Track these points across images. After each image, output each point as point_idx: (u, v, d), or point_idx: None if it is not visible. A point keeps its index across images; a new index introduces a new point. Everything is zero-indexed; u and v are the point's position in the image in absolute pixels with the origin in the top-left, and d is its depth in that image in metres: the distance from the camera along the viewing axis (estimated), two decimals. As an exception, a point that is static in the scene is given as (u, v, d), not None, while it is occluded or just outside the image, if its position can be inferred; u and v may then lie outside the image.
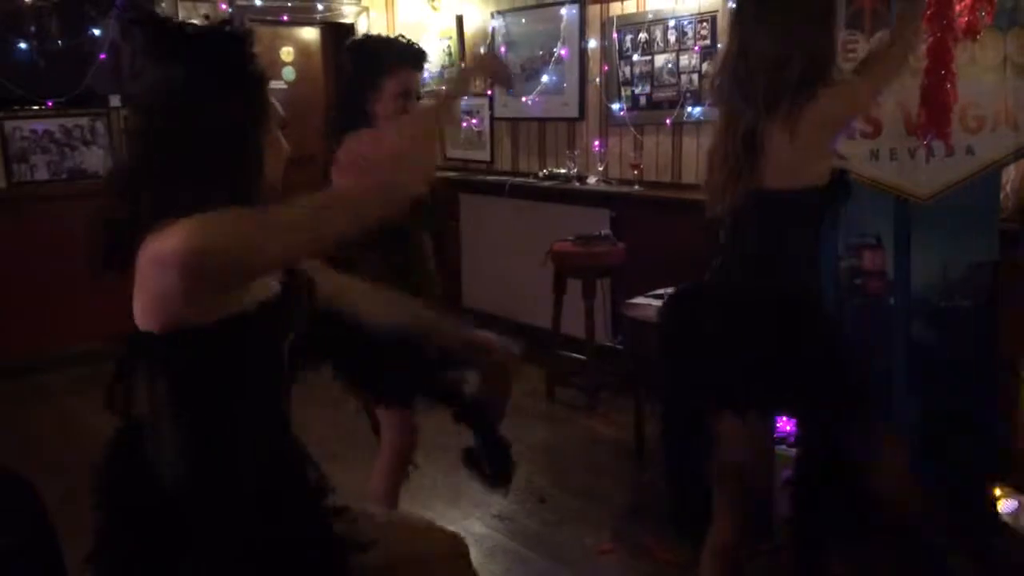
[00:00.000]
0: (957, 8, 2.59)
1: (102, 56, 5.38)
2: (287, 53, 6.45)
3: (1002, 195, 3.08)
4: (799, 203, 2.07)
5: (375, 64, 2.66)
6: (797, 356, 2.05)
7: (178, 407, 1.46)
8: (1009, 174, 3.15)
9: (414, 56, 2.72)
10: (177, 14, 5.62)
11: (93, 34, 5.37)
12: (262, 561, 1.46)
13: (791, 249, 2.12)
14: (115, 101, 5.49)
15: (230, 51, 1.45)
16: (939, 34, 2.58)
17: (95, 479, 1.56)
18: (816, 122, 1.99)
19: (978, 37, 2.67)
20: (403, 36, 2.78)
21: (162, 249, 1.37)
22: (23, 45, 5.24)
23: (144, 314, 1.49)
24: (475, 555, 3.16)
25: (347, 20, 6.40)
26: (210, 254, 1.35)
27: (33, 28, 5.26)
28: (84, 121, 5.44)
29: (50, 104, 5.29)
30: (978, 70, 2.74)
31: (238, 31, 1.48)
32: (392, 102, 2.64)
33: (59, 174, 5.39)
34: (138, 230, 1.44)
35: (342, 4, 6.35)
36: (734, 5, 2.17)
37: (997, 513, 2.90)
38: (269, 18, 6.10)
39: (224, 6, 5.82)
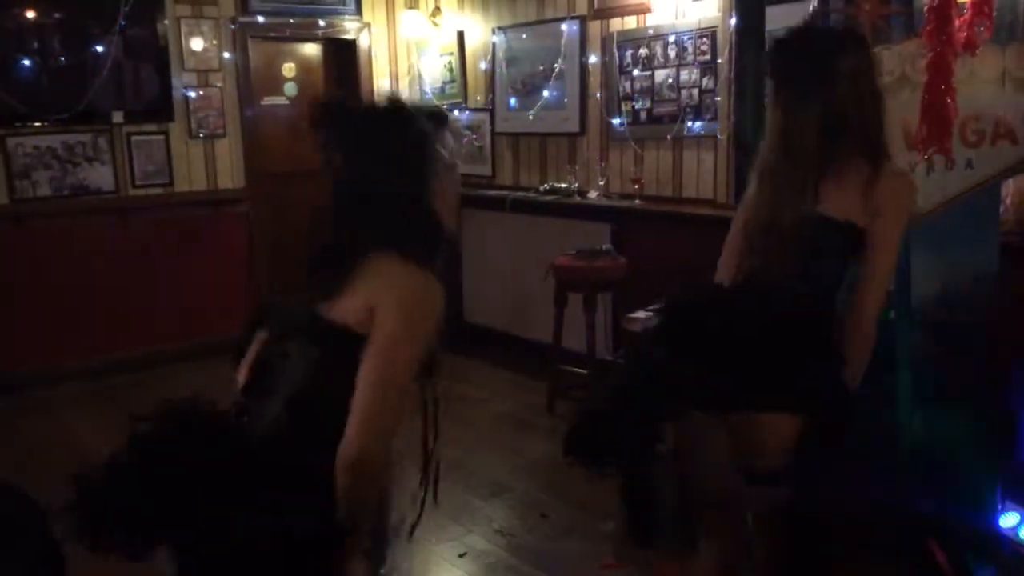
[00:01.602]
0: (956, 23, 2.61)
1: (105, 73, 5.39)
2: (289, 69, 6.48)
3: (1002, 209, 3.08)
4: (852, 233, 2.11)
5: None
6: (804, 368, 2.05)
7: (310, 380, 1.69)
8: (1009, 188, 3.15)
9: None
10: (179, 31, 5.66)
11: (96, 51, 5.40)
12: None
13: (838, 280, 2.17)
14: (118, 117, 5.51)
15: (387, 127, 1.79)
16: (939, 49, 2.59)
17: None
18: (898, 191, 2.09)
19: (977, 52, 2.68)
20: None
21: (399, 285, 1.71)
22: (26, 62, 5.27)
23: (346, 308, 1.72)
24: (476, 570, 3.16)
25: (349, 36, 6.43)
26: (417, 316, 1.70)
27: (36, 45, 5.28)
28: (87, 138, 5.45)
29: (53, 121, 5.31)
30: (978, 84, 2.75)
31: (395, 107, 1.81)
32: None
33: (61, 190, 5.40)
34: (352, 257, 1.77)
35: (344, 20, 6.39)
36: (771, 90, 2.21)
37: (1000, 528, 2.90)
38: (272, 34, 6.13)
39: (227, 23, 5.85)
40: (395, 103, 1.82)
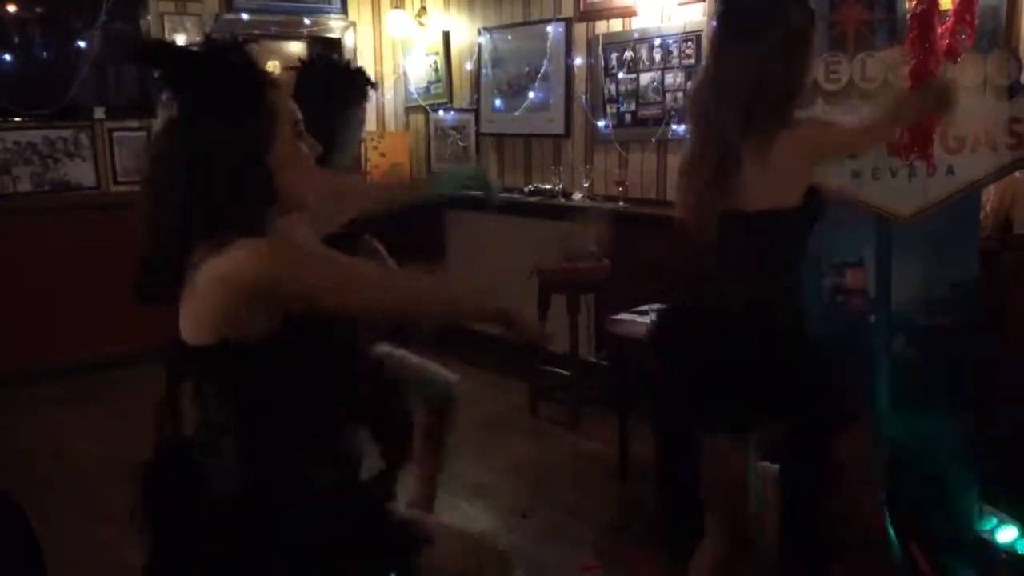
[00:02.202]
0: (939, 31, 2.63)
1: (87, 68, 5.36)
2: (273, 67, 6.44)
3: (982, 215, 3.11)
4: (776, 223, 2.09)
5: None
6: (789, 375, 2.06)
7: (233, 417, 1.48)
8: (989, 194, 3.19)
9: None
10: (163, 27, 5.63)
11: (78, 46, 5.36)
12: (323, 566, 1.47)
13: (774, 268, 2.14)
14: (99, 113, 5.47)
15: (223, 70, 1.47)
16: (921, 56, 2.61)
17: (141, 497, 1.53)
18: (789, 148, 2.03)
19: (959, 59, 2.70)
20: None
21: (232, 269, 1.40)
22: (7, 56, 5.22)
23: (199, 327, 1.48)
24: (458, 572, 3.15)
25: (334, 35, 6.41)
26: (285, 282, 1.41)
27: (17, 39, 5.24)
28: (68, 133, 5.41)
29: (34, 116, 5.26)
30: (959, 92, 2.77)
31: (228, 46, 1.51)
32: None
33: (42, 186, 5.35)
34: (179, 251, 1.47)
35: (329, 19, 6.37)
36: (715, 29, 2.20)
37: (979, 529, 2.92)
38: (256, 32, 6.10)
39: (211, 20, 5.82)
40: (232, 42, 1.52)
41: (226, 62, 1.48)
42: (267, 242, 1.44)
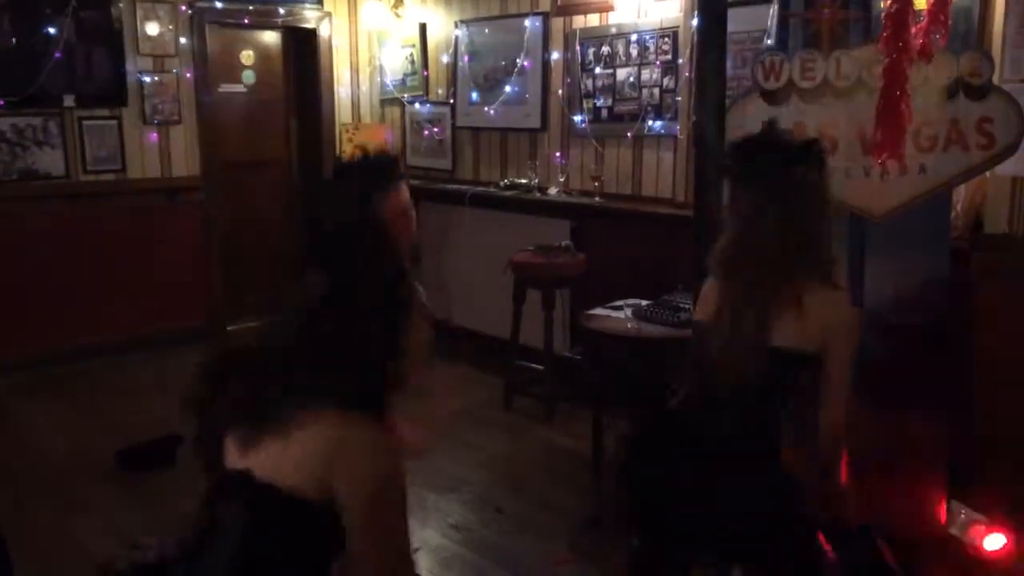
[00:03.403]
0: (913, 30, 2.65)
1: (57, 55, 5.27)
2: (247, 56, 6.39)
3: (953, 214, 3.15)
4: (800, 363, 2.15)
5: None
6: (761, 510, 2.10)
7: (240, 549, 1.50)
8: (960, 193, 3.22)
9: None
10: (135, 14, 5.55)
11: (48, 33, 5.27)
12: None
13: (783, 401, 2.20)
14: (69, 101, 5.39)
15: (370, 252, 1.59)
16: (895, 55, 2.63)
17: None
18: (821, 311, 2.12)
19: (932, 59, 2.73)
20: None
21: (351, 442, 1.48)
22: (-26, 42, 5.13)
23: (281, 469, 1.49)
24: (431, 565, 3.15)
25: (309, 25, 6.36)
26: (384, 491, 1.49)
27: (-15, 25, 5.15)
28: (37, 121, 5.32)
29: (2, 103, 5.17)
30: (932, 91, 2.80)
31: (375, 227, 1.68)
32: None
33: (10, 175, 5.26)
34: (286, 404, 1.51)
35: (304, 8, 6.31)
36: (732, 185, 2.26)
37: (947, 527, 2.96)
38: (229, 21, 6.04)
39: (184, 8, 5.75)
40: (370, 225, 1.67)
41: (380, 269, 1.58)
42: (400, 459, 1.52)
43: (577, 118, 5.11)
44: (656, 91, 4.71)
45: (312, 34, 6.39)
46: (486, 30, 5.66)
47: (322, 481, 1.45)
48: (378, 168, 2.61)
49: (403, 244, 2.51)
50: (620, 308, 3.85)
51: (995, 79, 2.83)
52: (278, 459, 1.48)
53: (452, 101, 5.96)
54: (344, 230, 1.64)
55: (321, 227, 1.65)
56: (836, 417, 2.16)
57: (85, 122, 5.48)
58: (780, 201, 2.11)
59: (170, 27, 5.72)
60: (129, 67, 5.60)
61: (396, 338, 1.55)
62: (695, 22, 4.36)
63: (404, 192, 2.66)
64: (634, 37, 4.77)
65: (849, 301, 2.27)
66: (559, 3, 5.18)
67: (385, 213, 2.51)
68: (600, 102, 5.00)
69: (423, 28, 6.07)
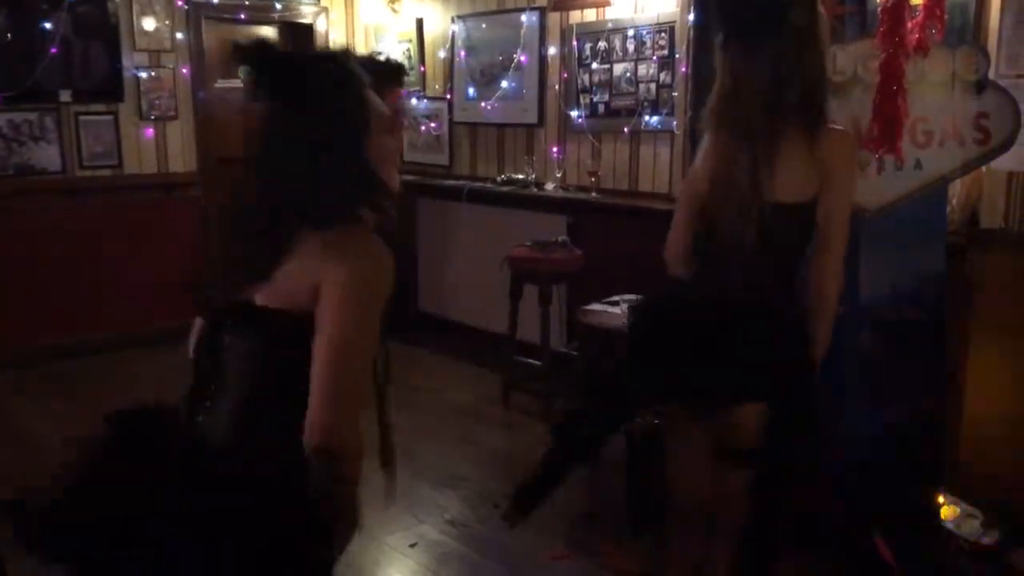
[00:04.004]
0: (909, 25, 2.65)
1: (53, 50, 5.26)
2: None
3: (949, 209, 3.15)
4: (806, 213, 2.13)
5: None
6: (774, 362, 2.09)
7: (257, 373, 1.57)
8: (956, 188, 3.22)
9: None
10: (131, 10, 5.54)
11: (43, 28, 5.25)
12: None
13: (798, 257, 2.18)
14: (65, 96, 5.38)
15: (322, 75, 1.58)
16: (891, 50, 2.64)
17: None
18: (836, 148, 2.10)
19: (928, 54, 2.73)
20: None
21: (348, 256, 1.53)
22: (-30, 37, 5.11)
23: (279, 294, 1.57)
24: (429, 561, 3.16)
25: (306, 20, 6.35)
26: (370, 294, 1.53)
27: (-19, 20, 5.13)
28: (33, 116, 5.31)
29: (-2, 98, 5.17)
30: (927, 86, 2.81)
31: (332, 55, 1.64)
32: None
33: (6, 170, 5.25)
34: (289, 230, 1.57)
35: (301, 3, 6.30)
36: (721, 39, 2.20)
37: (942, 520, 2.97)
38: (226, 16, 6.02)
39: (180, 3, 5.74)
40: (328, 51, 1.68)
41: (326, 68, 1.59)
42: (385, 265, 1.55)
43: (574, 113, 5.10)
44: (653, 86, 4.70)
45: (309, 29, 6.37)
46: (483, 25, 5.65)
47: (315, 289, 1.50)
48: (386, 66, 2.67)
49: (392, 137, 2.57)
50: (617, 304, 3.85)
51: (991, 74, 2.84)
52: (274, 287, 1.56)
53: (449, 96, 5.95)
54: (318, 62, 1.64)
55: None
56: (830, 283, 2.14)
57: (81, 117, 5.47)
58: (770, 43, 2.08)
59: (166, 22, 5.71)
60: (125, 62, 5.58)
61: (361, 152, 1.58)
62: (691, 17, 4.39)
63: (402, 97, 2.72)
64: (631, 32, 4.76)
65: (851, 137, 2.22)
66: (556, -2, 5.18)
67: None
68: (597, 97, 4.99)
69: (420, 23, 6.06)
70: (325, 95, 1.56)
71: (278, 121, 1.58)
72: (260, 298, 1.59)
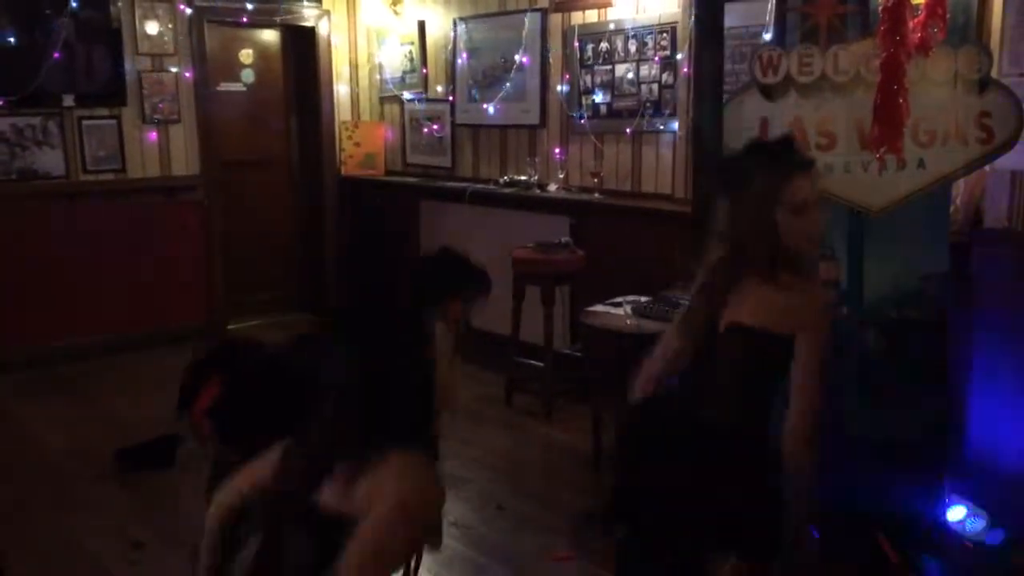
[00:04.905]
0: (911, 24, 2.64)
1: (56, 55, 5.27)
2: (246, 55, 6.38)
3: (952, 208, 3.14)
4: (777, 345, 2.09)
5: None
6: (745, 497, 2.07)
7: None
8: (959, 188, 3.21)
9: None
10: (134, 14, 5.55)
11: (47, 32, 5.26)
12: None
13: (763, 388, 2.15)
14: (68, 101, 5.39)
15: (395, 330, 1.85)
16: (892, 50, 2.63)
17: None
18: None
19: (930, 53, 2.72)
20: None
21: (402, 474, 1.70)
22: (-27, 42, 5.13)
23: (346, 499, 1.73)
24: (431, 564, 3.15)
25: (308, 23, 6.36)
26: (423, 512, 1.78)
27: (-16, 25, 5.15)
28: (36, 121, 5.32)
29: (1, 103, 5.17)
30: (929, 85, 2.80)
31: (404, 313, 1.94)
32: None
33: (9, 174, 5.26)
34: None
35: (303, 7, 6.31)
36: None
37: (948, 521, 2.96)
38: (228, 19, 6.03)
39: (183, 7, 5.75)
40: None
41: (395, 317, 1.88)
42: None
43: (576, 114, 5.10)
44: (655, 87, 4.70)
45: (311, 32, 6.38)
46: (485, 27, 5.65)
47: (369, 499, 1.68)
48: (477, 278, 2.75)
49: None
50: (619, 305, 3.85)
51: (994, 73, 2.83)
52: (350, 493, 1.70)
53: (451, 98, 5.95)
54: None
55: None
56: (803, 410, 2.07)
57: (84, 122, 5.48)
58: (727, 197, 2.13)
59: (169, 26, 5.72)
60: (128, 66, 5.60)
61: (430, 386, 1.85)
62: (693, 18, 4.38)
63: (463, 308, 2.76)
64: (632, 33, 4.76)
65: (818, 292, 2.23)
66: (557, -1, 5.18)
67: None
68: (599, 98, 4.99)
69: (422, 25, 6.06)
70: (397, 338, 1.82)
71: (356, 367, 1.79)
72: (326, 499, 1.76)
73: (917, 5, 2.68)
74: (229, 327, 6.04)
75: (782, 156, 2.14)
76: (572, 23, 5.11)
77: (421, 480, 1.72)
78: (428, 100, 6.17)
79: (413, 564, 2.62)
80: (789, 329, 2.05)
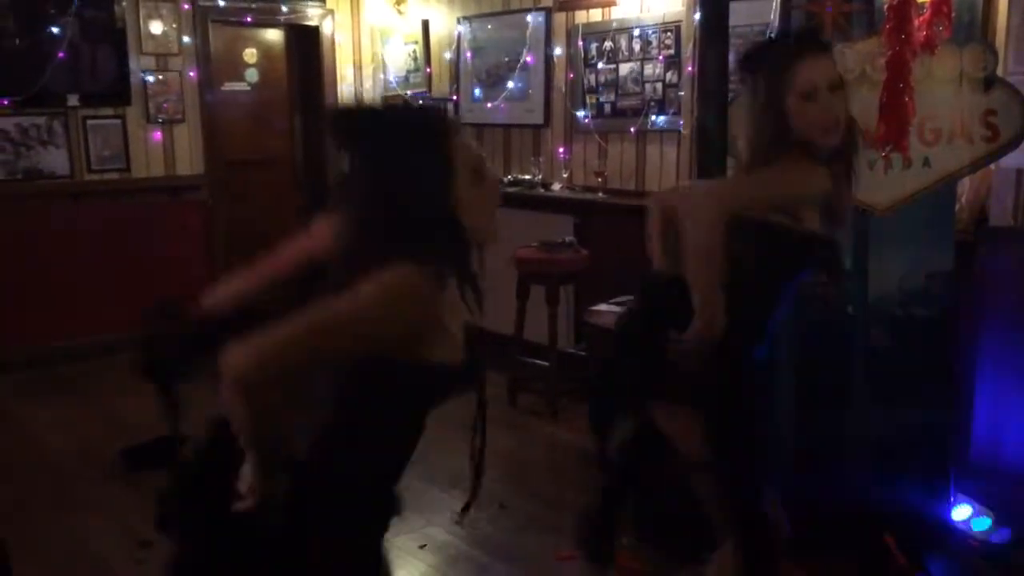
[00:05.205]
0: (916, 23, 2.64)
1: (60, 55, 5.28)
2: (250, 55, 6.39)
3: (957, 207, 3.13)
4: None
5: None
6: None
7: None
8: (964, 186, 3.21)
9: None
10: (138, 13, 5.56)
11: (51, 32, 5.27)
12: None
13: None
14: (73, 100, 5.40)
15: (413, 126, 1.66)
16: (898, 48, 2.62)
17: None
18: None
19: (935, 51, 2.71)
20: None
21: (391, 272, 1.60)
22: (-22, 42, 5.14)
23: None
24: (436, 562, 3.15)
25: (312, 22, 6.36)
26: (397, 304, 1.64)
27: (-11, 25, 5.16)
28: (41, 121, 5.33)
29: (6, 103, 5.18)
30: (935, 84, 2.79)
31: (423, 110, 1.78)
32: None
33: (14, 174, 5.27)
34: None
35: (307, 6, 6.31)
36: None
37: (953, 520, 2.95)
38: (232, 19, 6.04)
39: (187, 6, 5.75)
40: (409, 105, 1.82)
41: (405, 118, 1.69)
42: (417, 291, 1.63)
43: (580, 113, 5.10)
44: (659, 86, 4.70)
45: (315, 31, 6.39)
46: (488, 26, 5.65)
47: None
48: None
49: None
50: (624, 304, 3.84)
51: (999, 71, 2.82)
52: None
53: (455, 98, 5.95)
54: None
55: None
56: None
57: (89, 121, 5.49)
58: (749, 88, 2.16)
59: (173, 25, 5.72)
60: (132, 66, 5.60)
61: (446, 201, 1.67)
62: (697, 16, 4.37)
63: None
64: (636, 32, 4.76)
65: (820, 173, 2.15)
66: (561, -2, 5.18)
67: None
68: (603, 97, 4.99)
69: (426, 25, 6.06)
70: (405, 144, 1.64)
71: (358, 171, 1.67)
72: None
73: (923, 3, 2.67)
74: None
75: (794, 40, 2.15)
76: (576, 22, 5.11)
77: (418, 287, 1.61)
78: (432, 99, 6.17)
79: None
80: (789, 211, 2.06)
